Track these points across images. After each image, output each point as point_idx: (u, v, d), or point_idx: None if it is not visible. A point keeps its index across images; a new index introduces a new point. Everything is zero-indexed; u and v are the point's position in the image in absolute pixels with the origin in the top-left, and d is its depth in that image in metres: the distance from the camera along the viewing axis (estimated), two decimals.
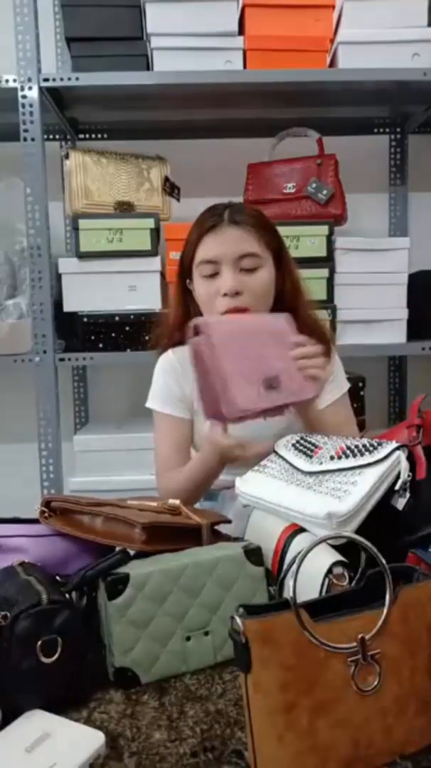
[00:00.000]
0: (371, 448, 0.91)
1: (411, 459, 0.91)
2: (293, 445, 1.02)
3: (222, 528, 0.94)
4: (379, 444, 0.91)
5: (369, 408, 1.84)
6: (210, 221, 1.21)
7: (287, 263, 1.26)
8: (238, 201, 1.45)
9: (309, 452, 0.98)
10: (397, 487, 0.86)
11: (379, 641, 0.60)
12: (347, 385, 1.35)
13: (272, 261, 1.23)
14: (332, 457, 0.93)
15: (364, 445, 0.92)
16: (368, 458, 0.89)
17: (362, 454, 0.90)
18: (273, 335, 1.10)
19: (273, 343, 1.09)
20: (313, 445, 0.99)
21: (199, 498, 1.25)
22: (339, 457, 0.93)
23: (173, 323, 1.32)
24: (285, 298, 1.25)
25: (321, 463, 0.94)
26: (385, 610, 0.60)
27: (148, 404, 1.33)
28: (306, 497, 0.89)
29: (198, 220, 1.24)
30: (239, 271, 1.18)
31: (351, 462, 0.90)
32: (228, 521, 0.96)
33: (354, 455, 0.91)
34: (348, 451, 0.93)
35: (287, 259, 1.27)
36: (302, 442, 1.02)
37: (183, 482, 1.20)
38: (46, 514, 0.91)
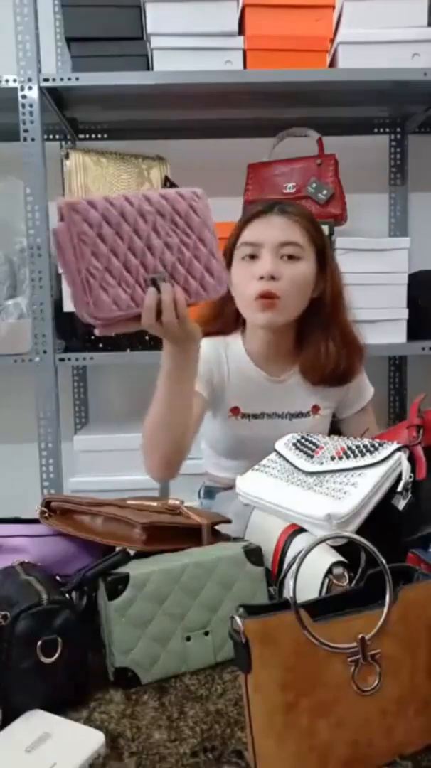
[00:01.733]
0: (372, 449, 0.91)
1: (411, 459, 0.91)
2: (294, 444, 1.02)
3: (222, 528, 0.94)
4: (380, 445, 0.91)
5: None
6: (259, 208, 1.21)
7: (330, 266, 1.25)
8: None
9: (310, 452, 0.98)
10: (399, 488, 0.86)
11: (379, 641, 0.60)
12: (372, 391, 1.36)
13: (314, 258, 1.21)
14: (333, 458, 0.93)
15: (365, 446, 0.92)
16: (369, 459, 0.89)
17: (363, 455, 0.90)
18: (169, 217, 0.92)
19: (170, 228, 0.92)
20: (314, 444, 0.99)
21: (176, 434, 1.12)
22: (340, 458, 0.93)
23: (205, 315, 1.29)
24: (325, 301, 1.23)
25: (321, 464, 0.94)
26: (385, 610, 0.60)
27: None
28: (306, 498, 0.89)
29: (246, 211, 1.24)
30: (279, 258, 1.17)
31: (351, 462, 0.90)
32: (228, 521, 0.96)
33: (355, 456, 0.91)
34: (349, 452, 0.93)
35: (331, 261, 1.26)
36: (303, 441, 1.02)
37: (153, 407, 1.11)
38: (46, 514, 0.91)
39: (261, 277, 1.16)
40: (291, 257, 1.17)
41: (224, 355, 1.28)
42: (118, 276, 0.87)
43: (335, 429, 1.38)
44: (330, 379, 1.26)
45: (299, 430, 1.11)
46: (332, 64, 1.70)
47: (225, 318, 1.28)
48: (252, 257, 1.19)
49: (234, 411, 1.28)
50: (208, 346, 1.26)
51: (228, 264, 1.24)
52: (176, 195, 0.93)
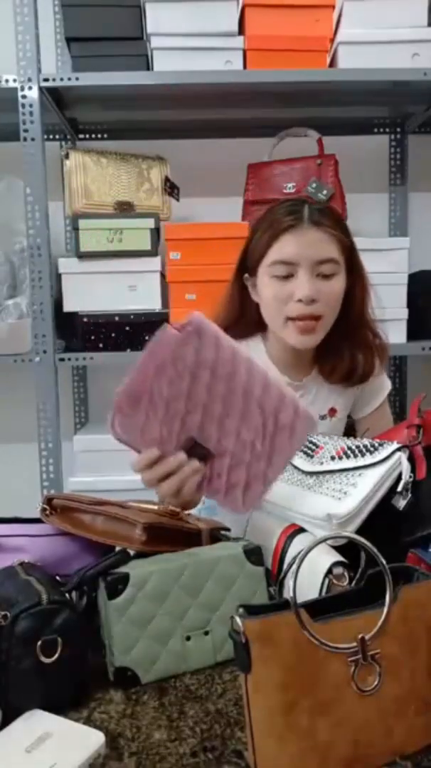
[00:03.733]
0: (372, 449, 0.91)
1: (411, 459, 0.91)
2: None
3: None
4: (380, 445, 0.91)
5: None
6: (289, 219, 1.13)
7: (359, 268, 1.20)
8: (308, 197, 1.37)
9: (310, 451, 0.98)
10: (399, 488, 0.86)
11: (379, 641, 0.60)
12: (388, 386, 1.35)
13: (345, 266, 1.17)
14: (333, 458, 0.93)
15: (365, 446, 0.92)
16: (369, 459, 0.89)
17: (363, 455, 0.90)
18: (268, 417, 0.79)
19: (258, 424, 0.79)
20: (314, 444, 0.99)
21: None
22: (340, 458, 0.93)
23: (225, 319, 1.25)
24: (354, 306, 1.20)
25: (321, 463, 0.94)
26: (385, 610, 0.60)
27: None
28: (306, 498, 0.89)
29: (271, 217, 1.16)
30: (315, 277, 1.12)
31: (352, 462, 0.90)
32: (228, 529, 0.96)
33: (355, 456, 0.91)
34: (349, 452, 0.93)
35: (359, 263, 1.20)
36: None
37: None
38: (48, 512, 0.91)
39: (300, 300, 1.11)
40: (327, 276, 1.12)
41: None
42: (169, 417, 0.78)
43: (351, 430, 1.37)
44: (350, 379, 1.24)
45: (327, 434, 1.09)
46: (332, 64, 1.70)
47: (247, 321, 1.24)
48: (287, 276, 1.13)
49: None
50: None
51: (249, 272, 1.20)
52: (292, 403, 0.80)
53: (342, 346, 1.22)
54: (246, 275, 1.22)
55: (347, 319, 1.20)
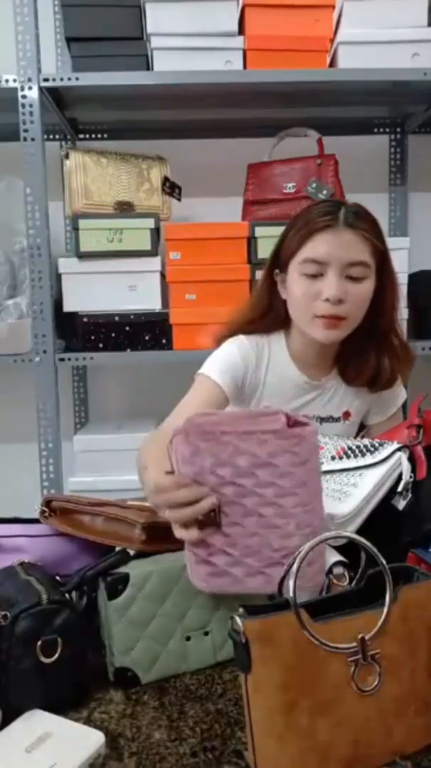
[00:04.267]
0: (372, 449, 0.91)
1: (411, 459, 0.91)
2: None
3: None
4: (380, 445, 0.91)
5: None
6: (324, 220, 1.13)
7: (391, 273, 1.19)
8: (345, 200, 1.37)
9: None
10: (399, 488, 0.86)
11: (379, 641, 0.60)
12: (404, 396, 1.35)
13: (375, 269, 1.17)
14: (333, 457, 0.93)
15: (365, 446, 0.92)
16: (369, 459, 0.89)
17: (363, 455, 0.90)
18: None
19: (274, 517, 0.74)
20: None
21: None
22: (340, 458, 0.93)
23: (250, 313, 1.27)
24: (384, 311, 1.19)
25: (322, 463, 0.94)
26: (385, 610, 0.60)
27: (202, 370, 1.22)
28: None
29: (307, 216, 1.17)
30: (344, 278, 1.13)
31: (352, 463, 0.90)
32: None
33: (355, 456, 0.91)
34: (349, 452, 0.93)
35: (391, 268, 1.20)
36: None
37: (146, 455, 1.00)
38: (47, 514, 0.91)
39: (327, 299, 1.12)
40: (356, 279, 1.13)
41: (266, 355, 1.26)
42: (215, 466, 0.74)
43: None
44: (375, 384, 1.24)
45: (327, 434, 1.08)
46: (332, 64, 1.70)
47: (273, 317, 1.25)
48: (316, 276, 1.13)
49: None
50: (250, 345, 1.24)
51: (280, 267, 1.20)
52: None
53: (369, 349, 1.22)
54: (277, 271, 1.23)
55: (375, 322, 1.20)
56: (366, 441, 0.94)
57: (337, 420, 1.28)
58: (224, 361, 1.22)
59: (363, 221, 1.15)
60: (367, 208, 1.20)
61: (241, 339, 1.25)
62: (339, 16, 1.67)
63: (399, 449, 0.89)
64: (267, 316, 1.26)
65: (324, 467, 0.93)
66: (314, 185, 1.76)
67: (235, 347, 1.24)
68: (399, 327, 1.25)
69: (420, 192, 2.11)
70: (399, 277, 1.71)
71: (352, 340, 1.21)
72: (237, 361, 1.22)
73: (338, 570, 0.78)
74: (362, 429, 1.37)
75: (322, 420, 1.27)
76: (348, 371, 1.25)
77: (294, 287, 1.17)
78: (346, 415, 1.29)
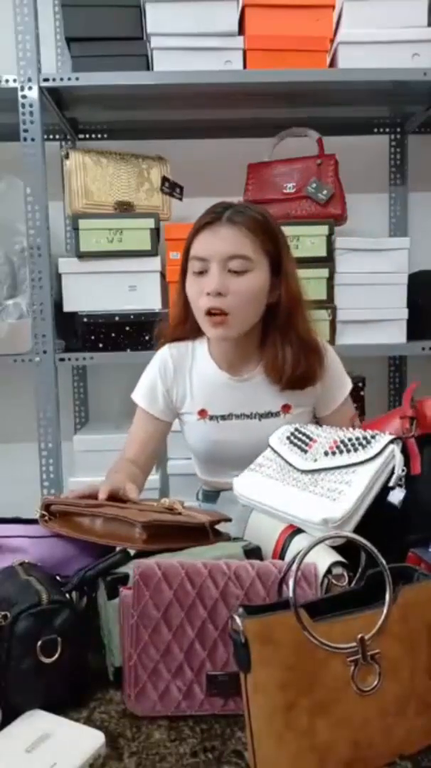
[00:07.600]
0: (365, 443, 0.90)
1: (405, 452, 0.90)
2: (287, 437, 1.02)
3: (222, 528, 0.94)
4: (373, 437, 0.91)
5: (369, 408, 1.83)
6: (207, 218, 1.19)
7: (286, 272, 1.22)
8: (241, 202, 1.42)
9: (303, 446, 0.98)
10: (391, 483, 0.86)
11: (379, 641, 0.60)
12: (350, 386, 1.34)
13: (268, 267, 1.19)
14: (326, 453, 0.93)
15: (358, 439, 0.92)
16: (362, 455, 0.89)
17: (356, 450, 0.90)
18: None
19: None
20: (308, 437, 0.99)
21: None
22: (333, 453, 0.92)
23: (173, 320, 1.32)
24: (280, 309, 1.22)
25: (315, 460, 0.93)
26: (385, 610, 0.60)
27: (133, 395, 1.34)
28: (302, 500, 0.88)
29: (199, 217, 1.22)
30: (227, 272, 1.16)
31: (345, 459, 0.90)
32: (229, 519, 0.96)
33: (348, 451, 0.91)
34: (341, 446, 0.92)
35: (287, 267, 1.22)
36: (296, 434, 1.02)
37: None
38: (47, 518, 0.91)
39: (208, 293, 1.16)
40: (238, 272, 1.16)
41: (189, 360, 1.30)
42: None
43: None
44: (292, 383, 1.25)
45: (270, 430, 1.09)
46: (332, 64, 1.70)
47: (191, 323, 1.27)
48: (201, 273, 1.18)
49: (202, 413, 1.28)
50: (169, 355, 1.30)
51: (183, 274, 1.24)
52: None
53: (276, 345, 1.24)
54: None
55: (276, 320, 1.23)
56: (358, 433, 0.94)
57: (277, 415, 1.27)
58: (146, 387, 1.32)
59: (247, 218, 1.18)
60: (263, 209, 1.25)
61: (163, 351, 1.32)
62: (339, 16, 1.67)
63: (391, 441, 0.89)
64: (187, 322, 1.29)
65: (319, 464, 0.92)
66: (314, 185, 1.77)
67: (155, 366, 1.32)
68: (307, 324, 1.25)
69: (420, 192, 2.11)
70: (400, 277, 1.74)
71: (265, 336, 1.25)
72: (156, 382, 1.30)
73: (337, 570, 0.78)
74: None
75: (261, 416, 1.27)
76: (266, 367, 1.26)
77: (188, 287, 1.22)
78: (286, 408, 1.28)
